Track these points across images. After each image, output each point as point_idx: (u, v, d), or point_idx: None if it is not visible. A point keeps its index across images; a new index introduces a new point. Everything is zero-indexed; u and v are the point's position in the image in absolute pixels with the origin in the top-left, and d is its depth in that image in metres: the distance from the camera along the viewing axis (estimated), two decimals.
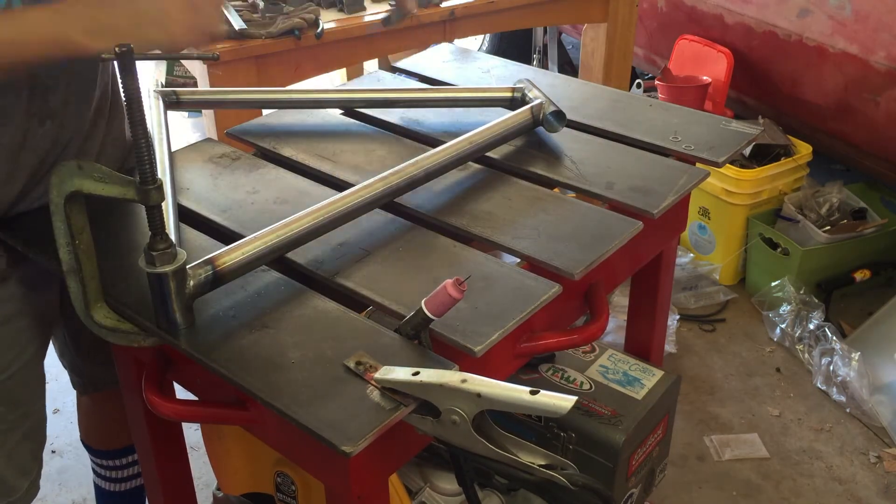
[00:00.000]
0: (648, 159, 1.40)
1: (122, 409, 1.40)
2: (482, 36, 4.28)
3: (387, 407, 0.88)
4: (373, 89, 1.66)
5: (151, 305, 0.99)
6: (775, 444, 2.25)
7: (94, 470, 1.73)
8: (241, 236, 1.12)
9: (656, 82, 3.10)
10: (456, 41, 2.17)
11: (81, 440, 1.69)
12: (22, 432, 1.28)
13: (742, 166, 2.79)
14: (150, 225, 0.93)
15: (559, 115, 1.42)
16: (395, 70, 1.83)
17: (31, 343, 1.27)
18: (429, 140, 1.47)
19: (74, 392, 1.62)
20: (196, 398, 1.16)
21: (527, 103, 1.44)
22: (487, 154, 1.38)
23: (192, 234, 1.20)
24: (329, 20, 2.02)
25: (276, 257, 1.08)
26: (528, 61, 3.82)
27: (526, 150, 1.42)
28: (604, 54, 2.62)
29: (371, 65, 3.08)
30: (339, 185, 1.30)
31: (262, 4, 1.93)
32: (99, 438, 1.67)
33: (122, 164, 1.37)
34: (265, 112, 1.62)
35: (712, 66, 3.03)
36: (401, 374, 0.88)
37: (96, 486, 1.76)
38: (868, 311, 2.66)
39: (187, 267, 0.97)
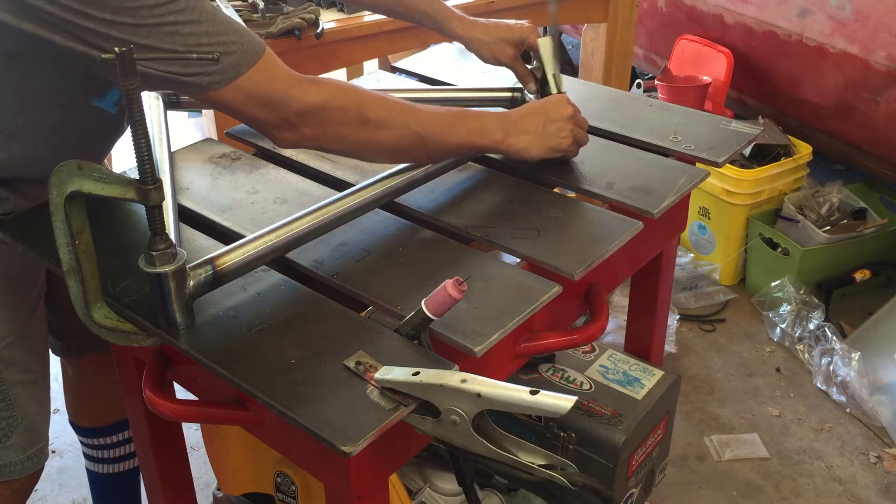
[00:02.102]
0: (648, 159, 1.40)
1: (108, 381, 1.44)
2: None
3: (387, 407, 0.88)
4: (373, 89, 1.65)
5: (151, 305, 0.99)
6: (775, 444, 2.25)
7: (85, 454, 1.71)
8: (241, 236, 1.12)
9: (656, 82, 3.10)
10: (455, 41, 2.17)
11: (70, 422, 1.67)
12: (46, 382, 1.36)
13: (742, 166, 2.79)
14: (150, 225, 0.93)
15: None
16: (395, 70, 1.83)
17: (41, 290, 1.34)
18: None
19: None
20: (196, 398, 1.16)
21: (527, 103, 1.44)
22: (488, 154, 1.38)
23: (192, 234, 1.20)
24: (329, 20, 2.02)
25: (276, 257, 1.08)
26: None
27: None
28: (604, 54, 2.62)
29: (371, 65, 3.08)
30: (339, 185, 1.30)
31: (262, 4, 1.93)
32: (87, 414, 1.65)
33: None
34: None
35: (712, 66, 3.03)
36: (401, 374, 0.88)
37: (89, 474, 1.74)
38: (868, 311, 2.66)
39: (187, 267, 0.97)
